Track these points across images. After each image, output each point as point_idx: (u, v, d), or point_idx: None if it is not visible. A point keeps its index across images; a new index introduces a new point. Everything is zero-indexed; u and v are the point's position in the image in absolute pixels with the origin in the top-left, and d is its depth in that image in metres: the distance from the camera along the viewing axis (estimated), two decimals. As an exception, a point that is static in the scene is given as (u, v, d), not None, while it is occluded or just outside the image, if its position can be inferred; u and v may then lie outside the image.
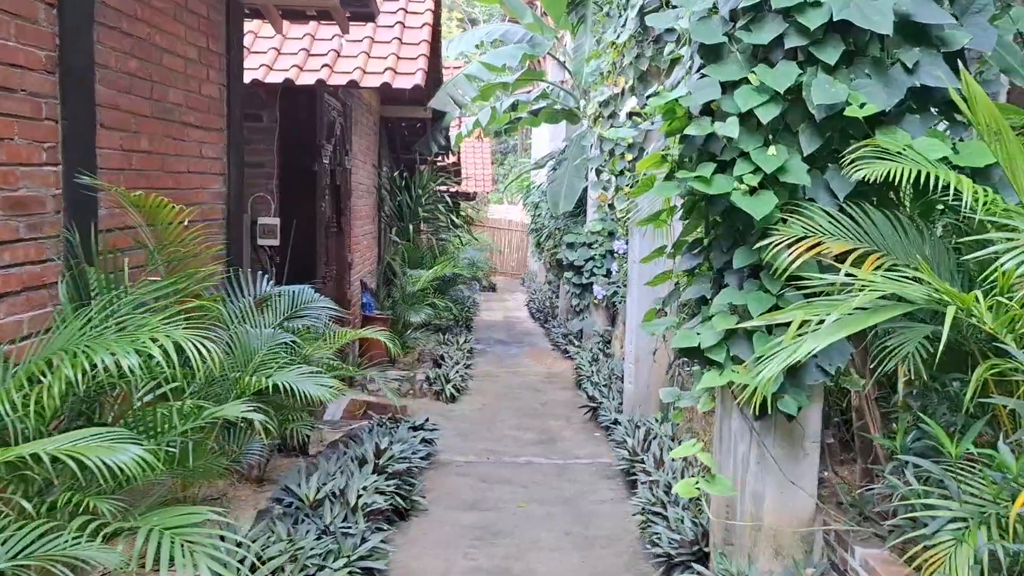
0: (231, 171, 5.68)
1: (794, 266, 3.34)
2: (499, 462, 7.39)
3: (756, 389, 3.40)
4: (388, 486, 5.43)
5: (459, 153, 18.70)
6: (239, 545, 3.50)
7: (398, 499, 5.49)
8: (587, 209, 12.31)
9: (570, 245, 11.82)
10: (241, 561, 3.55)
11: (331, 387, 3.98)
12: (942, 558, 2.88)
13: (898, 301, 2.90)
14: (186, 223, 4.80)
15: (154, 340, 2.87)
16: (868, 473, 4.37)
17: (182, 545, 2.76)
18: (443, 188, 18.51)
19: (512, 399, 10.02)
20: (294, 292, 4.90)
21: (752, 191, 3.57)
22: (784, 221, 3.56)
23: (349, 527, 4.53)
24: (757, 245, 3.56)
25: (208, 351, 2.90)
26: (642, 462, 6.33)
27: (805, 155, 3.60)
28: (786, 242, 3.36)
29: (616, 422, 7.72)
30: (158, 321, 3.12)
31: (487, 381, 11.02)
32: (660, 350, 7.39)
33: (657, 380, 7.52)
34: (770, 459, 3.91)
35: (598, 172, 7.54)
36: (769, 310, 3.59)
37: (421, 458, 6.64)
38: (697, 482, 3.81)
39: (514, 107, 13.01)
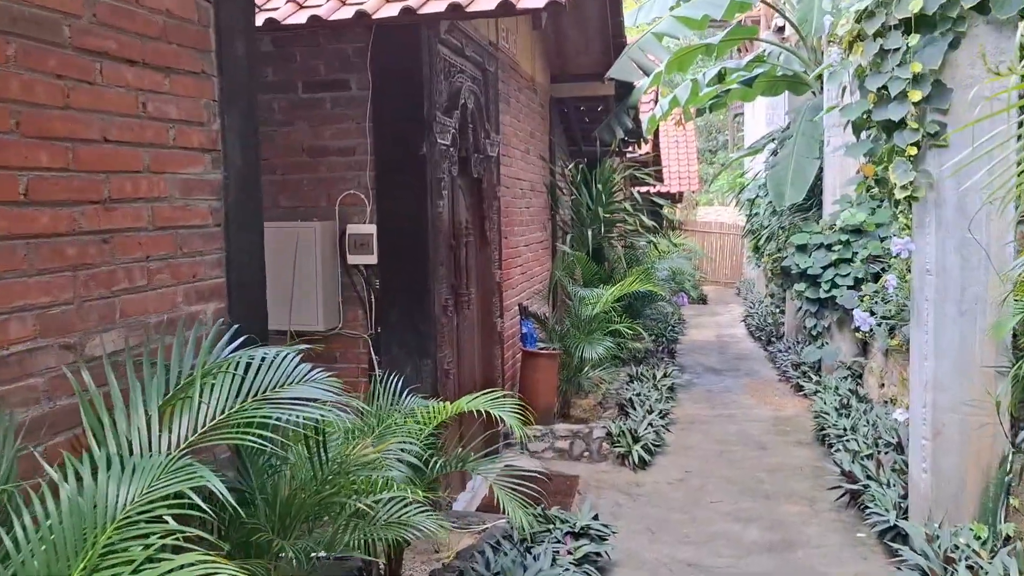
0: (230, 146, 3.39)
1: None
2: (706, 591, 4.71)
3: None
4: None
5: (656, 143, 15.88)
6: None
7: None
8: (823, 198, 9.21)
9: (800, 248, 8.76)
10: None
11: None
12: None
13: None
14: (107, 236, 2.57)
15: None
16: None
17: None
18: (642, 189, 15.78)
19: (725, 463, 7.21)
20: (250, 365, 2.38)
21: None
22: None
23: None
24: None
25: None
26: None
27: None
28: None
29: (902, 533, 4.74)
30: None
31: (691, 431, 8.26)
32: (976, 418, 4.38)
33: (976, 468, 4.48)
34: None
35: (857, 129, 4.63)
36: None
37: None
38: None
39: (720, 77, 10.11)
